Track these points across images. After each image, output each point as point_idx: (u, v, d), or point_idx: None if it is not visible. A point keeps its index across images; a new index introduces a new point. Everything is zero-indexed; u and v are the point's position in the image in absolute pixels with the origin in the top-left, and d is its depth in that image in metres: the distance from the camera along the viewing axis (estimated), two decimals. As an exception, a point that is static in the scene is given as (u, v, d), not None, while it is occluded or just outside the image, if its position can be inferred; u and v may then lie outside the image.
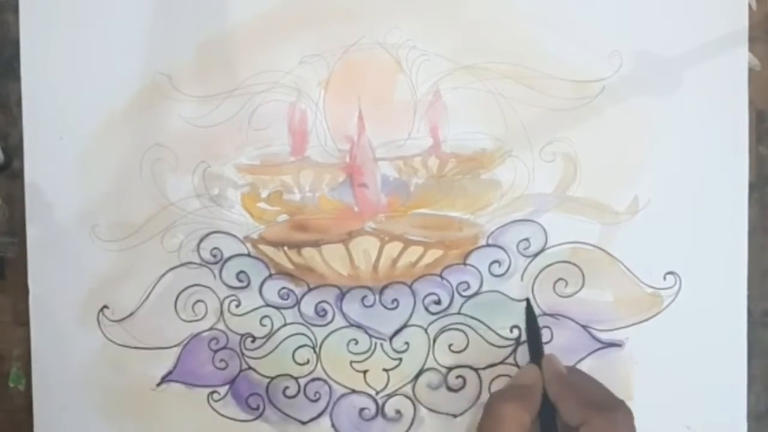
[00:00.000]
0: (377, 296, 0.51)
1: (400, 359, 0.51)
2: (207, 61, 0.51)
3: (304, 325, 0.51)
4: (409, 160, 0.51)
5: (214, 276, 0.51)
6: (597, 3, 0.51)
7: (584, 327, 0.51)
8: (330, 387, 0.52)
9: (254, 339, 0.51)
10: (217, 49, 0.51)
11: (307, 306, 0.51)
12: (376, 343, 0.51)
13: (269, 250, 0.51)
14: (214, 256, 0.51)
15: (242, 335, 0.51)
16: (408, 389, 0.52)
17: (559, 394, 0.46)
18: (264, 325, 0.51)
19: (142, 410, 0.52)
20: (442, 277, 0.51)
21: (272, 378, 0.52)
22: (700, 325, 0.51)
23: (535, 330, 0.50)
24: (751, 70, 0.51)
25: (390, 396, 0.52)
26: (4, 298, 0.52)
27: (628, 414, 0.45)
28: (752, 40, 0.51)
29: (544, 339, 0.51)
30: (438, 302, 0.51)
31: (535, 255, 0.51)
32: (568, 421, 0.45)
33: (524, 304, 0.50)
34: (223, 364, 0.52)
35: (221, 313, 0.51)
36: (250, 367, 0.51)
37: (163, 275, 0.51)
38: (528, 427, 0.44)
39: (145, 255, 0.51)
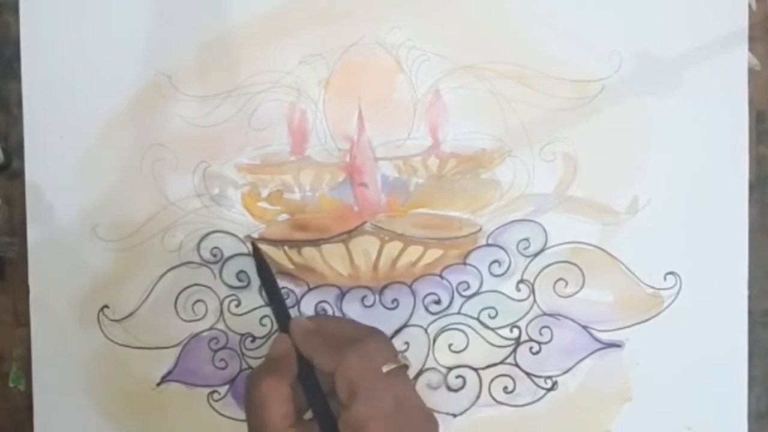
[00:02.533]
0: (377, 296, 0.51)
1: (400, 359, 0.51)
2: (207, 61, 0.51)
3: (304, 325, 0.51)
4: (409, 160, 0.51)
5: (215, 275, 0.51)
6: (597, 3, 0.51)
7: (584, 327, 0.51)
8: (330, 387, 0.52)
9: (254, 339, 0.51)
10: (217, 49, 0.51)
11: (307, 306, 0.51)
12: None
13: (269, 249, 0.51)
14: (215, 255, 0.51)
15: (242, 335, 0.51)
16: (408, 389, 0.51)
17: (311, 349, 0.45)
18: (264, 325, 0.51)
19: (142, 410, 0.52)
20: (442, 277, 0.51)
21: (272, 378, 0.51)
22: (700, 325, 0.51)
23: (274, 292, 0.48)
24: (751, 70, 0.51)
25: (390, 396, 0.52)
26: (4, 298, 0.52)
27: (380, 339, 0.45)
28: (752, 40, 0.51)
29: (545, 339, 0.51)
30: (438, 302, 0.51)
31: (535, 255, 0.51)
32: (324, 371, 0.44)
33: (528, 304, 0.51)
34: (223, 364, 0.51)
35: (221, 312, 0.51)
36: (250, 367, 0.51)
37: (164, 275, 0.51)
38: (290, 395, 0.43)
39: (146, 255, 0.51)
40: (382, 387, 0.42)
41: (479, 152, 0.51)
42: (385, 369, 0.42)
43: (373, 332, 0.46)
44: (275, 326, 0.51)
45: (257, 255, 0.49)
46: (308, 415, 0.45)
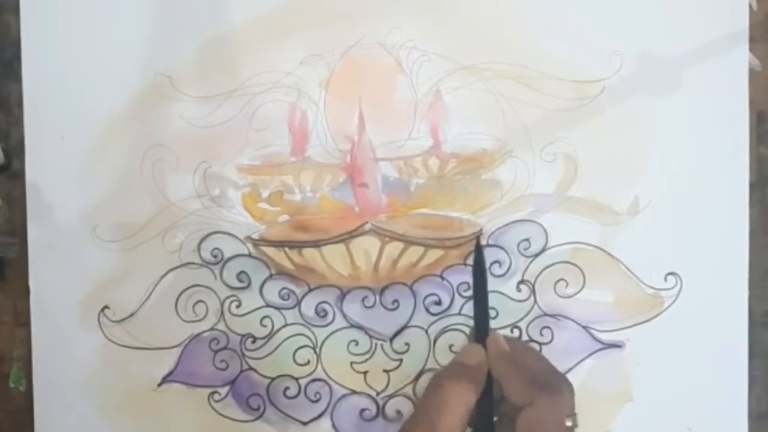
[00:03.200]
0: (378, 297, 0.51)
1: (401, 360, 0.51)
2: (207, 62, 0.51)
3: (304, 325, 0.51)
4: (409, 160, 0.51)
5: (215, 276, 0.51)
6: (597, 3, 0.51)
7: (585, 327, 0.51)
8: (330, 388, 0.52)
9: (255, 339, 0.51)
10: (217, 50, 0.51)
11: (308, 306, 0.51)
12: (376, 344, 0.51)
13: (270, 250, 0.51)
14: (215, 256, 0.51)
15: (243, 336, 0.51)
16: (409, 390, 0.52)
17: (504, 374, 0.45)
18: (264, 326, 0.51)
19: (143, 410, 0.52)
20: (442, 278, 0.51)
21: (273, 378, 0.51)
22: (700, 325, 0.51)
23: (484, 304, 0.49)
24: (751, 70, 0.51)
25: (391, 397, 0.52)
26: (4, 299, 0.52)
27: (571, 390, 0.45)
28: (752, 40, 0.51)
29: (545, 339, 0.51)
30: (438, 303, 0.51)
31: (536, 255, 0.51)
32: (514, 402, 0.44)
33: (529, 304, 0.51)
34: (223, 365, 0.51)
35: (222, 313, 0.51)
36: (250, 368, 0.51)
37: (164, 276, 0.51)
38: (472, 407, 0.44)
39: (146, 255, 0.51)
40: None
41: (480, 153, 0.51)
42: (568, 423, 0.43)
43: (567, 382, 0.46)
44: (276, 326, 0.51)
45: (479, 252, 0.49)
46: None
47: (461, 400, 0.44)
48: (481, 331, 0.48)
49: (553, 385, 0.44)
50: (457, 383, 0.44)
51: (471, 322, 0.51)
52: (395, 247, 0.51)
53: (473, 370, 0.46)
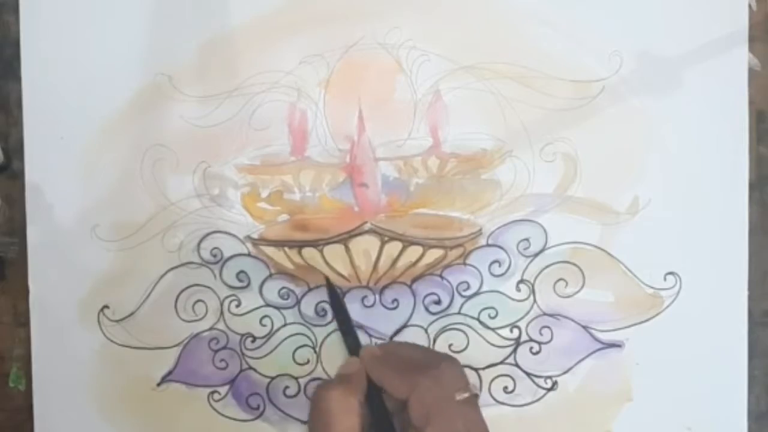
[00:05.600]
0: (377, 296, 0.51)
1: (401, 359, 0.51)
2: (207, 62, 0.51)
3: (304, 325, 0.51)
4: (409, 160, 0.51)
5: (215, 276, 0.51)
6: (597, 3, 0.51)
7: (584, 327, 0.51)
8: (330, 387, 0.52)
9: (254, 339, 0.51)
10: (217, 50, 0.51)
11: (308, 306, 0.51)
12: (376, 343, 0.51)
13: (269, 249, 0.51)
14: (215, 256, 0.51)
15: (242, 335, 0.51)
16: (408, 389, 0.52)
17: (381, 376, 0.46)
18: (264, 325, 0.51)
19: (143, 410, 0.52)
20: (442, 277, 0.51)
21: (272, 378, 0.52)
22: (700, 325, 0.51)
23: (347, 323, 0.50)
24: (751, 70, 0.51)
25: (390, 396, 0.52)
26: (4, 299, 0.52)
27: (453, 364, 0.45)
28: (752, 40, 0.51)
29: (545, 339, 0.51)
30: (438, 302, 0.51)
31: (536, 255, 0.51)
32: (397, 397, 0.45)
33: (528, 304, 0.51)
34: (223, 364, 0.51)
35: (221, 313, 0.51)
36: (250, 367, 0.51)
37: (164, 275, 0.51)
38: (356, 410, 0.44)
39: (146, 255, 0.51)
40: (456, 414, 0.43)
41: (479, 152, 0.51)
42: (458, 397, 0.43)
43: (446, 358, 0.46)
44: (275, 326, 0.51)
45: (331, 288, 0.50)
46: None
47: (344, 407, 0.44)
48: (352, 347, 0.49)
49: (429, 366, 0.45)
50: (336, 392, 0.45)
51: (471, 321, 0.51)
52: (395, 246, 0.51)
53: (350, 376, 0.47)
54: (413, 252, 0.51)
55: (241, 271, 0.51)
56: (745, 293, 0.51)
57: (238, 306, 0.51)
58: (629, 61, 0.51)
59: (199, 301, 0.51)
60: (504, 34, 0.51)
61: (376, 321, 0.51)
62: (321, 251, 0.51)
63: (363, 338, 0.51)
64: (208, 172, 0.51)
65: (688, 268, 0.51)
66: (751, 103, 0.51)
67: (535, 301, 0.51)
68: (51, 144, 0.51)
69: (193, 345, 0.51)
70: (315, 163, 0.51)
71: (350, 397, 0.45)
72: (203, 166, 0.51)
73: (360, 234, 0.51)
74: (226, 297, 0.51)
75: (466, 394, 0.44)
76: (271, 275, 0.51)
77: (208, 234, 0.51)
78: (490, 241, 0.51)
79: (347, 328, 0.50)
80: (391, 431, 0.45)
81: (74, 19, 0.51)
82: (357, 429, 0.44)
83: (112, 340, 0.51)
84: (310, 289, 0.51)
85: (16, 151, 0.51)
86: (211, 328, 0.51)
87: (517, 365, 0.51)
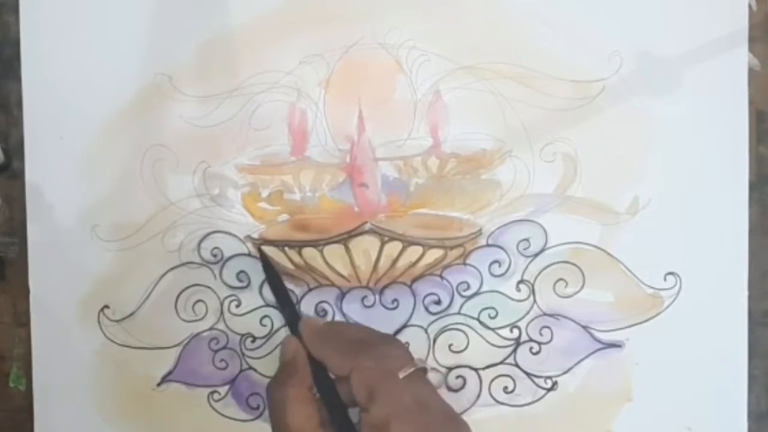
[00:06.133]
0: (377, 296, 0.51)
1: (401, 359, 0.51)
2: (207, 61, 0.51)
3: (304, 325, 0.51)
4: (409, 160, 0.51)
5: (215, 276, 0.51)
6: (597, 3, 0.51)
7: (584, 327, 0.51)
8: (330, 387, 0.52)
9: (254, 339, 0.51)
10: (217, 49, 0.51)
11: (307, 306, 0.51)
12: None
13: (269, 249, 0.51)
14: (215, 255, 0.51)
15: (242, 335, 0.51)
16: (408, 389, 0.51)
17: (322, 352, 0.45)
18: (264, 325, 0.51)
19: (143, 410, 0.52)
20: (442, 277, 0.51)
21: (272, 378, 0.52)
22: (700, 325, 0.51)
23: (283, 294, 0.49)
24: (751, 70, 0.51)
25: (390, 396, 0.52)
26: (4, 298, 0.52)
27: (396, 344, 0.45)
28: (752, 40, 0.51)
29: (545, 339, 0.51)
30: (438, 302, 0.51)
31: (535, 255, 0.51)
32: (337, 373, 0.44)
33: (528, 304, 0.51)
34: (223, 364, 0.51)
35: (221, 313, 0.51)
36: (250, 367, 0.51)
37: (164, 275, 0.51)
38: (309, 397, 0.43)
39: (146, 255, 0.51)
40: (401, 388, 0.42)
41: (479, 152, 0.51)
42: (401, 374, 0.42)
43: (387, 337, 0.46)
44: (275, 326, 0.51)
45: (263, 257, 0.50)
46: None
47: (293, 397, 0.43)
48: (291, 322, 0.48)
49: (369, 344, 0.44)
50: (280, 384, 0.44)
51: (471, 322, 0.51)
52: (395, 246, 0.51)
53: (291, 363, 0.46)
54: (413, 252, 0.51)
55: (241, 271, 0.51)
56: (745, 293, 0.51)
57: (238, 306, 0.51)
58: (629, 61, 0.51)
59: (199, 301, 0.51)
60: (504, 34, 0.51)
61: (376, 321, 0.51)
62: (321, 251, 0.51)
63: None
64: (208, 172, 0.51)
65: (688, 268, 0.51)
66: (751, 103, 0.51)
67: (535, 301, 0.51)
68: (51, 144, 0.51)
69: (193, 345, 0.51)
70: (315, 163, 0.51)
71: (298, 386, 0.44)
72: (203, 166, 0.51)
73: (360, 234, 0.51)
74: (226, 297, 0.51)
75: (411, 369, 0.43)
76: (271, 275, 0.51)
77: (208, 234, 0.51)
78: (490, 241, 0.51)
79: (283, 299, 0.49)
80: (343, 412, 0.44)
81: (74, 19, 0.51)
82: (316, 415, 0.43)
83: (112, 340, 0.51)
84: (310, 289, 0.51)
85: (16, 151, 0.51)
86: (211, 328, 0.51)
87: (517, 365, 0.51)
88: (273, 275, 0.49)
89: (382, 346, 0.44)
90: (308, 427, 0.43)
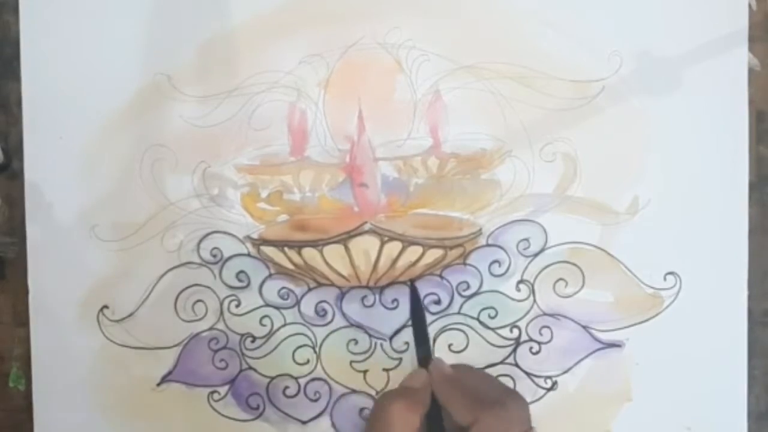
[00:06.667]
0: (377, 296, 0.51)
1: (400, 359, 0.51)
2: (207, 61, 0.51)
3: (304, 325, 0.51)
4: (409, 160, 0.51)
5: (214, 276, 0.51)
6: (597, 3, 0.51)
7: (584, 327, 0.51)
8: (330, 387, 0.52)
9: (254, 339, 0.51)
10: (217, 49, 0.51)
11: (307, 306, 0.51)
12: (376, 343, 0.51)
13: (269, 249, 0.51)
14: (214, 256, 0.51)
15: (242, 335, 0.51)
16: (408, 389, 0.52)
17: (448, 396, 0.45)
18: (264, 325, 0.51)
19: (142, 410, 0.52)
20: (442, 277, 0.51)
21: (272, 378, 0.52)
22: (700, 325, 0.51)
23: (422, 330, 0.49)
24: (751, 70, 0.51)
25: (390, 396, 0.52)
26: (4, 298, 0.52)
27: (521, 405, 0.45)
28: (752, 40, 0.51)
29: (545, 339, 0.51)
30: (438, 302, 0.51)
31: (535, 255, 0.51)
32: (458, 422, 0.44)
33: (528, 304, 0.51)
34: (223, 364, 0.51)
35: (221, 313, 0.51)
36: (250, 367, 0.51)
37: (163, 275, 0.51)
38: (417, 426, 0.44)
39: (145, 255, 0.51)
40: None
41: (479, 152, 0.51)
42: None
43: (515, 396, 0.46)
44: (275, 326, 0.51)
45: (413, 291, 0.50)
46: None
47: (405, 421, 0.44)
48: (423, 357, 0.48)
49: (498, 401, 0.44)
50: (400, 404, 0.44)
51: (470, 321, 0.51)
52: (394, 246, 0.51)
53: (416, 391, 0.46)
54: (413, 252, 0.51)
55: (241, 271, 0.51)
56: (745, 293, 0.51)
57: (237, 306, 0.51)
58: (629, 61, 0.51)
59: (198, 301, 0.51)
60: (504, 34, 0.51)
61: (376, 321, 0.51)
62: (321, 251, 0.51)
63: (363, 338, 0.51)
64: (207, 172, 0.51)
65: (688, 268, 0.51)
66: (751, 103, 0.51)
67: (534, 301, 0.51)
68: (50, 144, 0.51)
69: (193, 345, 0.51)
70: (315, 163, 0.51)
71: (413, 412, 0.44)
72: (203, 166, 0.51)
73: (360, 234, 0.51)
74: (226, 297, 0.51)
75: None
76: (270, 275, 0.51)
77: (207, 234, 0.51)
78: (489, 241, 0.51)
79: (422, 337, 0.49)
80: None
81: (74, 19, 0.51)
82: None
83: (111, 340, 0.51)
84: (309, 289, 0.51)
85: (15, 151, 0.51)
86: (210, 328, 0.51)
87: (516, 365, 0.51)
88: (419, 310, 0.49)
89: (510, 406, 0.44)
90: None
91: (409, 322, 0.51)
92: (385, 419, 0.44)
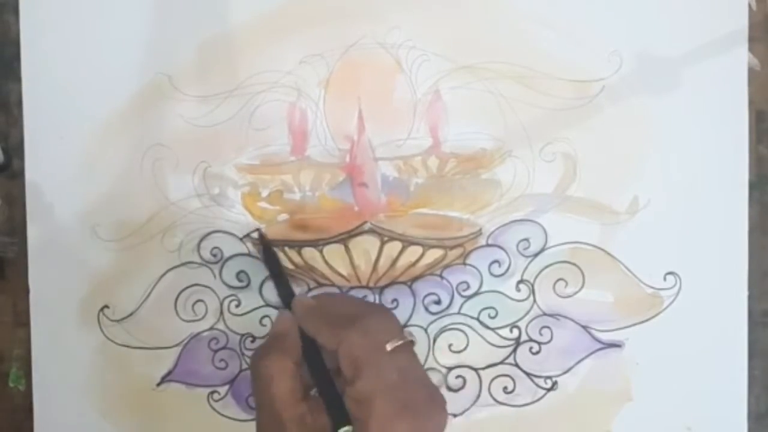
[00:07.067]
0: (377, 296, 0.51)
1: (400, 359, 0.51)
2: (207, 61, 0.51)
3: (304, 325, 0.51)
4: (409, 160, 0.51)
5: (214, 276, 0.51)
6: (597, 3, 0.51)
7: (584, 327, 0.51)
8: (330, 387, 0.52)
9: (254, 339, 0.51)
10: (217, 49, 0.51)
11: (307, 306, 0.51)
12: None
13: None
14: (215, 255, 0.51)
15: (242, 335, 0.51)
16: (408, 389, 0.51)
17: (314, 327, 0.45)
18: (264, 325, 0.51)
19: (142, 410, 0.52)
20: (442, 277, 0.51)
21: (272, 378, 0.51)
22: (700, 325, 0.51)
23: (278, 272, 0.49)
24: (751, 70, 0.51)
25: (390, 396, 0.52)
26: (4, 298, 0.52)
27: (384, 317, 0.45)
28: (752, 40, 0.51)
29: (545, 339, 0.51)
30: (438, 302, 0.51)
31: (535, 255, 0.51)
32: (328, 348, 0.43)
33: (528, 304, 0.51)
34: (223, 364, 0.51)
35: (221, 312, 0.51)
36: (250, 367, 0.51)
37: (164, 275, 0.51)
38: (295, 371, 0.43)
39: (146, 255, 0.51)
40: (386, 362, 0.42)
41: (479, 152, 0.51)
42: (389, 347, 0.42)
43: (377, 309, 0.46)
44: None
45: (261, 235, 0.50)
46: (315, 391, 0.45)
47: (281, 368, 0.43)
48: (284, 298, 0.48)
49: (356, 317, 0.44)
50: (271, 353, 0.44)
51: (470, 321, 0.51)
52: (394, 246, 0.51)
53: (283, 336, 0.45)
54: (413, 252, 0.51)
55: (241, 271, 0.51)
56: (745, 293, 0.51)
57: (238, 306, 0.51)
58: (629, 61, 0.51)
59: (199, 301, 0.51)
60: (503, 34, 0.51)
61: (376, 321, 0.51)
62: (321, 251, 0.51)
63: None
64: (208, 172, 0.51)
65: (688, 268, 0.51)
66: (751, 103, 0.51)
67: (534, 301, 0.51)
68: (51, 143, 0.51)
69: (193, 345, 0.51)
70: (315, 163, 0.51)
71: (286, 360, 0.44)
72: (203, 166, 0.51)
73: (360, 234, 0.51)
74: (226, 297, 0.51)
75: (399, 342, 0.43)
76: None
77: (208, 234, 0.51)
78: (489, 241, 0.51)
79: (279, 278, 0.49)
80: (332, 387, 0.44)
81: (74, 19, 0.51)
82: (299, 390, 0.43)
83: (111, 340, 0.51)
84: (309, 289, 0.51)
85: (16, 151, 0.51)
86: (211, 328, 0.51)
87: (516, 365, 0.51)
88: (270, 253, 0.49)
89: (372, 318, 0.44)
90: (292, 400, 0.43)
91: (409, 322, 0.51)
92: (261, 376, 0.43)
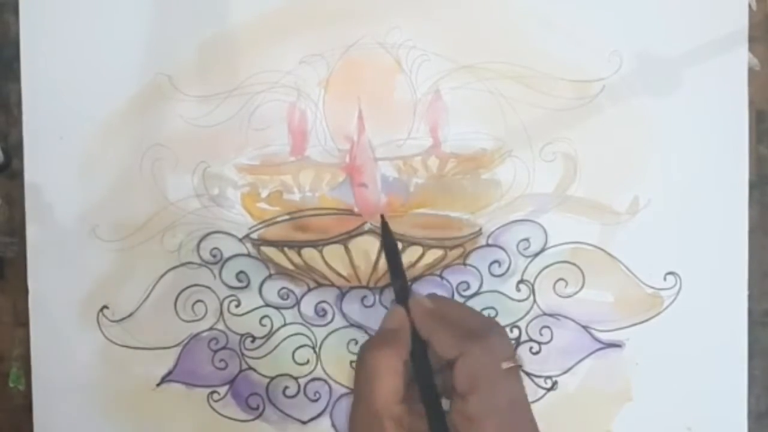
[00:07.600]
0: (377, 296, 0.51)
1: (400, 359, 0.51)
2: (207, 61, 0.51)
3: (304, 325, 0.51)
4: (409, 160, 0.51)
5: (214, 276, 0.51)
6: (597, 3, 0.51)
7: (584, 327, 0.51)
8: (330, 387, 0.52)
9: (254, 339, 0.51)
10: (217, 49, 0.51)
11: (307, 306, 0.51)
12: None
13: (269, 250, 0.51)
14: (214, 256, 0.51)
15: (242, 335, 0.51)
16: (408, 389, 0.51)
17: (431, 331, 0.44)
18: (264, 325, 0.51)
19: (142, 410, 0.52)
20: (442, 277, 0.51)
21: (272, 378, 0.52)
22: (700, 325, 0.51)
23: (397, 265, 0.48)
24: (751, 70, 0.51)
25: (390, 396, 0.51)
26: (4, 298, 0.52)
27: (503, 336, 0.45)
28: (752, 40, 0.51)
29: (545, 339, 0.51)
30: (438, 302, 0.51)
31: (535, 255, 0.51)
32: (443, 356, 0.43)
33: (528, 304, 0.51)
34: (222, 364, 0.51)
35: (221, 313, 0.51)
36: (250, 367, 0.51)
37: (163, 275, 0.51)
38: (401, 371, 0.43)
39: (145, 255, 0.51)
40: (501, 384, 0.42)
41: (479, 152, 0.51)
42: (504, 366, 0.42)
43: (497, 326, 0.45)
44: (275, 326, 0.51)
45: (384, 223, 0.49)
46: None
47: (388, 366, 0.43)
48: (399, 293, 0.47)
49: (481, 332, 0.43)
50: (379, 350, 0.43)
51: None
52: (394, 246, 0.51)
53: (394, 332, 0.45)
54: (413, 252, 0.51)
55: (241, 272, 0.51)
56: (745, 293, 0.51)
57: (237, 306, 0.51)
58: (629, 61, 0.51)
59: (198, 301, 0.51)
60: (504, 34, 0.51)
61: (376, 321, 0.51)
62: (321, 251, 0.51)
63: (363, 338, 0.51)
64: (207, 172, 0.51)
65: (688, 268, 0.51)
66: (751, 103, 0.51)
67: (535, 301, 0.51)
68: (50, 144, 0.51)
69: (193, 345, 0.51)
70: (315, 163, 0.51)
71: (395, 358, 0.43)
72: (203, 166, 0.51)
73: (360, 234, 0.51)
74: (226, 297, 0.51)
75: (512, 364, 0.43)
76: (270, 275, 0.51)
77: (207, 234, 0.51)
78: (489, 241, 0.51)
79: (397, 270, 0.48)
80: (433, 390, 0.43)
81: (74, 19, 0.51)
82: (400, 389, 0.43)
83: (111, 341, 0.51)
84: (309, 290, 0.51)
85: (15, 151, 0.51)
86: (210, 329, 0.51)
87: (517, 365, 0.51)
88: (391, 244, 0.48)
89: (495, 336, 0.44)
90: (392, 401, 0.42)
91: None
92: (368, 367, 0.43)
